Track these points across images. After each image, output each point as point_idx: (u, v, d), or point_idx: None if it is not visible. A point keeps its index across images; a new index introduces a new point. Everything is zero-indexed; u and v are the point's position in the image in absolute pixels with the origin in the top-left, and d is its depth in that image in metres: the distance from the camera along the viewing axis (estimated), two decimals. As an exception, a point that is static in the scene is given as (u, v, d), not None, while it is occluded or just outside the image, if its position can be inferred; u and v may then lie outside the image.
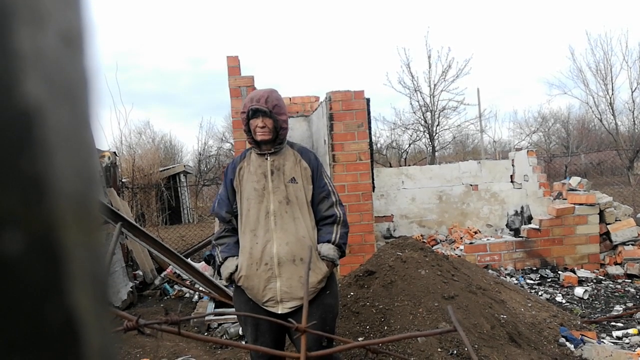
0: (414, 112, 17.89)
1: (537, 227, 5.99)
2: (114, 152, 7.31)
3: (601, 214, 5.92)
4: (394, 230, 7.34)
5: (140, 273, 6.11)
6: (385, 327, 2.92)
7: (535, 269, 5.84)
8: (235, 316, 3.66)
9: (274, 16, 61.05)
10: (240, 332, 3.91)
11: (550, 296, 4.93)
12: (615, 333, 3.82)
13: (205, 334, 4.10)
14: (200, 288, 4.82)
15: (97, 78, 0.21)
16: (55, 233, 0.18)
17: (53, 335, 0.18)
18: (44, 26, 0.19)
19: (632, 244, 5.75)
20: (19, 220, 0.17)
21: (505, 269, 5.82)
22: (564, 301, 4.79)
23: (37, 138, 0.18)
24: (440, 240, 7.00)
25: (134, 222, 4.72)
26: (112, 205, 5.03)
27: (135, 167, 11.51)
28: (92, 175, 0.21)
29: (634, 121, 19.18)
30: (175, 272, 5.60)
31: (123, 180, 9.96)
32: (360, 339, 2.86)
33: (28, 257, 0.18)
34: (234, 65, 5.12)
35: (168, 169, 15.96)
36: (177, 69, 51.31)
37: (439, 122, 17.64)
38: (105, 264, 0.22)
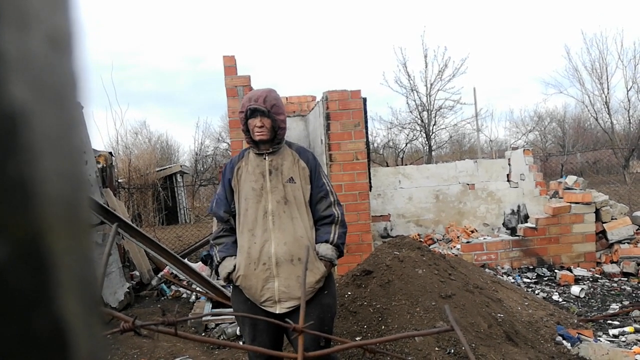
0: (411, 112, 17.91)
1: (534, 225, 6.00)
2: (110, 153, 7.29)
3: (597, 212, 5.95)
4: (391, 230, 7.35)
5: (137, 274, 6.09)
6: (383, 327, 2.92)
7: (531, 267, 5.86)
8: (233, 316, 3.65)
9: (271, 15, 61.02)
10: (238, 332, 3.90)
11: (547, 295, 4.94)
12: (612, 331, 3.83)
13: (203, 334, 4.09)
14: (197, 288, 4.81)
15: (85, 81, 0.21)
16: (43, 239, 0.18)
17: (41, 344, 0.18)
18: (31, 28, 0.19)
19: (628, 242, 5.78)
20: (5, 226, 0.17)
21: (502, 268, 5.84)
22: (560, 300, 4.81)
23: (23, 142, 0.18)
24: (437, 240, 7.01)
25: (130, 223, 4.71)
26: (108, 206, 5.01)
27: (132, 168, 11.48)
28: (80, 179, 0.20)
29: (629, 120, 19.23)
30: (172, 273, 5.59)
31: (119, 180, 9.94)
32: (357, 338, 2.86)
33: (14, 263, 0.17)
34: (230, 65, 5.10)
35: (165, 169, 15.91)
36: (175, 67, 51.12)
37: (435, 122, 17.66)
38: (95, 269, 0.22)
